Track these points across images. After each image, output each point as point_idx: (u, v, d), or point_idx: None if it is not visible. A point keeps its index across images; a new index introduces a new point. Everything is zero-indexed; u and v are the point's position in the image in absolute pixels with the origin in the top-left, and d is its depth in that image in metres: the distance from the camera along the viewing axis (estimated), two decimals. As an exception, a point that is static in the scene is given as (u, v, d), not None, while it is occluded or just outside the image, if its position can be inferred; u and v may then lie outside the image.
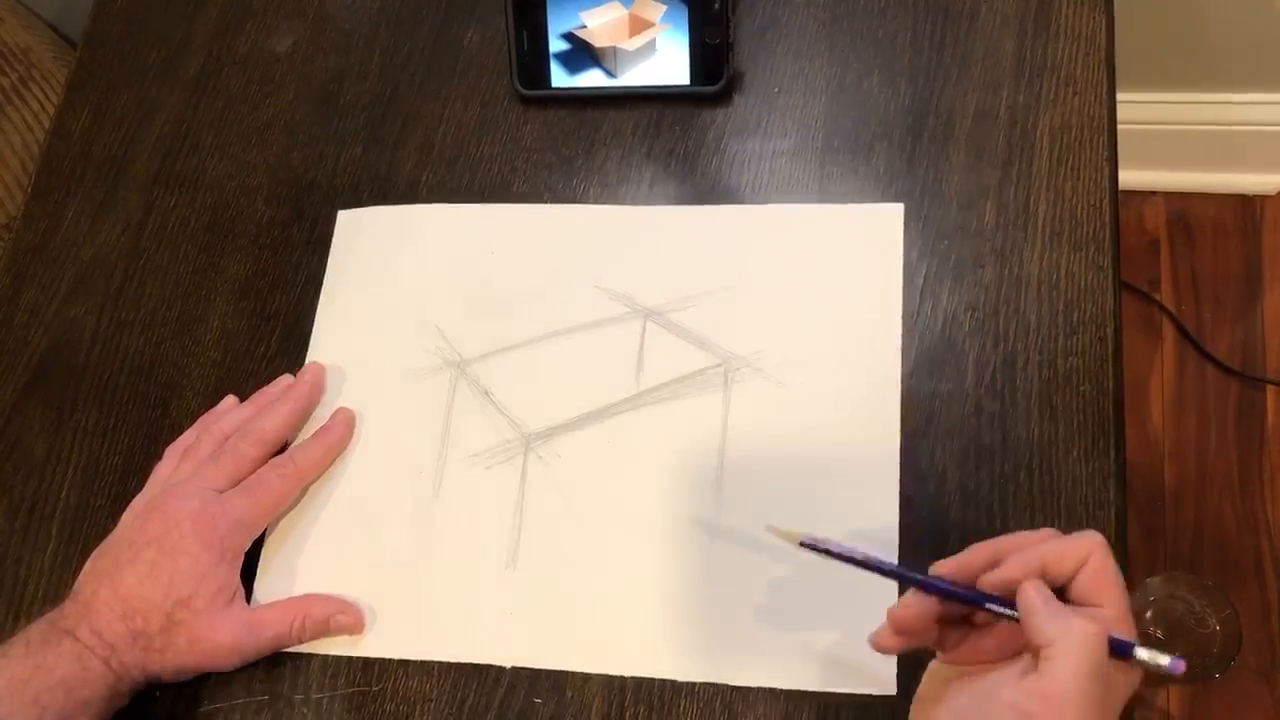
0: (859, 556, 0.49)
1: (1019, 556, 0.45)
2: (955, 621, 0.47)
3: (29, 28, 1.07)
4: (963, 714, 0.45)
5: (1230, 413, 1.33)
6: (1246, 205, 1.41)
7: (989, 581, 0.45)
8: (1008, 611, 0.44)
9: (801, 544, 0.50)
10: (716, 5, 0.66)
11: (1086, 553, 0.44)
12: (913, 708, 0.48)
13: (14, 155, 1.01)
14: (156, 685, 0.57)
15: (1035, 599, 0.43)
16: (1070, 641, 0.41)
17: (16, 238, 0.74)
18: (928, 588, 0.46)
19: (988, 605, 0.45)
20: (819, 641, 0.55)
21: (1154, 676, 1.18)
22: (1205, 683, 1.20)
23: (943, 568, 0.47)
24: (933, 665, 0.48)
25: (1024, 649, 0.44)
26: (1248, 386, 1.33)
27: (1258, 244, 1.39)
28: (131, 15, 0.80)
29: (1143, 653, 0.42)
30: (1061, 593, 0.44)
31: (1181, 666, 0.42)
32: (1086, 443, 0.57)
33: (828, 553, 0.49)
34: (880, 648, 0.48)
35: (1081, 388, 0.58)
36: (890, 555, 0.56)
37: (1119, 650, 0.43)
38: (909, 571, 0.48)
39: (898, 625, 0.47)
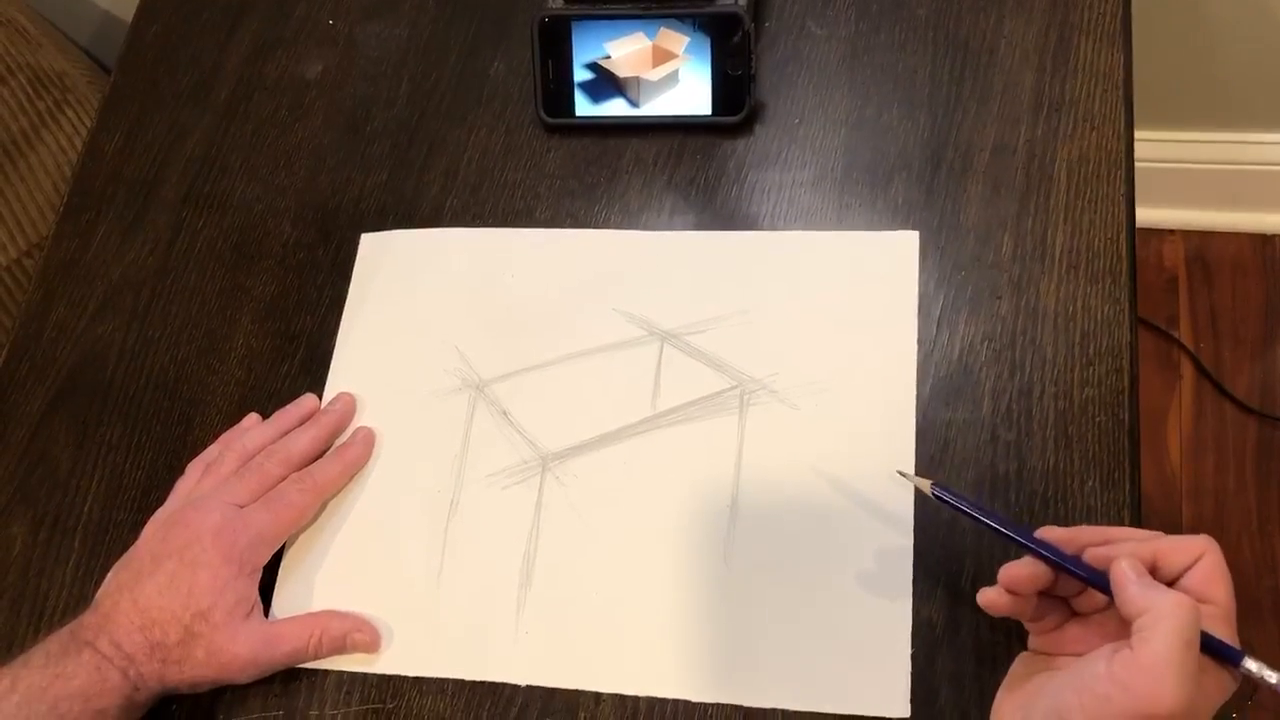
0: (984, 517, 0.51)
1: (1130, 544, 0.46)
2: (1054, 605, 0.49)
3: (65, 53, 1.09)
4: (1057, 694, 0.44)
5: (1249, 452, 1.32)
6: (1265, 244, 1.41)
7: (1095, 555, 0.47)
8: (1101, 585, 0.46)
9: (934, 494, 0.53)
10: (739, 37, 0.67)
11: (1200, 551, 0.45)
12: (999, 693, 0.49)
13: (47, 176, 1.02)
14: (172, 698, 0.58)
15: (1129, 572, 0.44)
16: (1162, 611, 0.42)
17: (47, 255, 0.75)
18: (1040, 550, 0.48)
19: (1087, 576, 0.47)
20: (832, 663, 0.55)
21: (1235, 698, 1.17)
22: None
23: (1050, 533, 0.49)
24: (1023, 654, 0.51)
25: (1117, 637, 0.44)
26: (1266, 426, 1.33)
27: (1277, 283, 1.39)
28: (165, 41, 0.82)
29: (1251, 664, 0.42)
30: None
31: None
32: (1102, 474, 0.57)
33: (956, 507, 0.52)
34: (986, 603, 0.49)
35: (1098, 419, 0.58)
36: (904, 581, 0.56)
37: (1226, 655, 0.43)
38: (1023, 531, 0.49)
39: (1006, 582, 0.48)
